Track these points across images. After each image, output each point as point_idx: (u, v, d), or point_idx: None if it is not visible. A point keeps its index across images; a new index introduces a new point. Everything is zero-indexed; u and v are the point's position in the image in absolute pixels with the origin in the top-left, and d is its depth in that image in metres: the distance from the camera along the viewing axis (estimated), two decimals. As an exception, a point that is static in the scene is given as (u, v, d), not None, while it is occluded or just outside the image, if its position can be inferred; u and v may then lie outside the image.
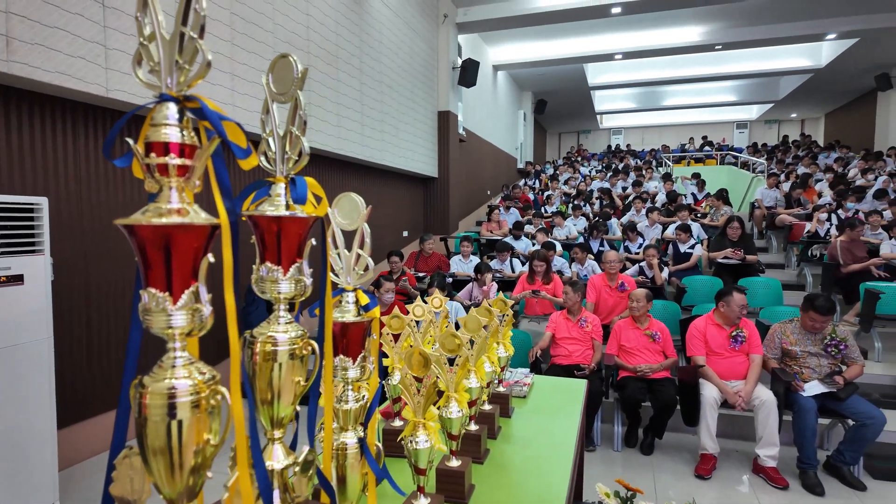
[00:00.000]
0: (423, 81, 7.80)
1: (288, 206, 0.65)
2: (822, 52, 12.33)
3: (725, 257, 5.61)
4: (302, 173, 0.67)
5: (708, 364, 3.57)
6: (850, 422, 3.28)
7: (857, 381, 3.43)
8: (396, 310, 1.34)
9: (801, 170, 10.35)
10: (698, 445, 3.45)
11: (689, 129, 20.09)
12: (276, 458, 0.66)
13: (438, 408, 1.12)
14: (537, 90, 15.18)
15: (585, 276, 5.61)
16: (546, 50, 11.20)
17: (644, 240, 6.53)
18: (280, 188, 0.66)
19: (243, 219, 0.61)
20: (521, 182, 12.97)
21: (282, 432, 0.68)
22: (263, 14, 4.50)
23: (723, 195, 7.72)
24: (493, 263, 6.15)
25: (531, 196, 10.74)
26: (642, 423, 3.78)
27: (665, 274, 5.51)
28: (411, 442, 0.98)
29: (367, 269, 0.81)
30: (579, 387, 1.96)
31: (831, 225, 6.47)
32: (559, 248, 6.71)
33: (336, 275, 0.81)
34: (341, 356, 0.81)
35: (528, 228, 7.67)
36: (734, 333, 3.58)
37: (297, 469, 0.66)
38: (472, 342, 1.26)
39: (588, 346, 4.03)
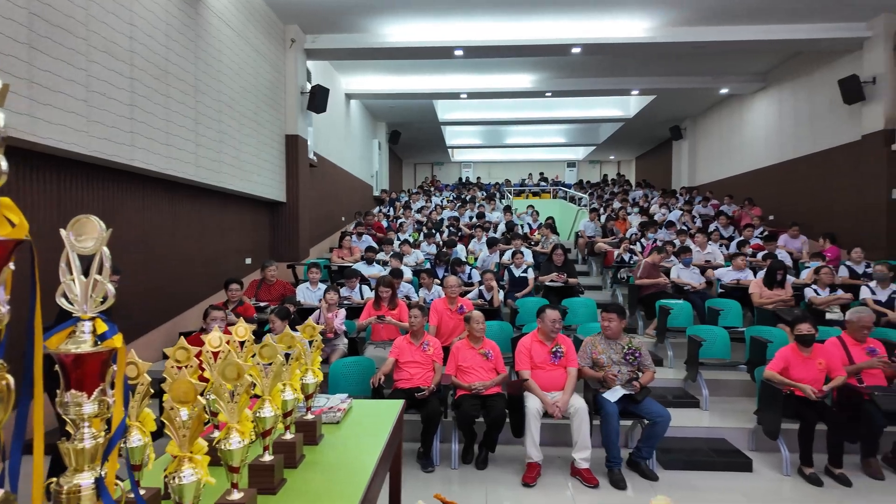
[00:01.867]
0: (268, 104, 7.56)
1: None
2: (630, 105, 14.54)
3: (552, 280, 6.24)
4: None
5: (533, 377, 3.89)
6: (646, 421, 3.79)
7: (655, 385, 4.01)
8: (182, 341, 1.27)
9: (616, 204, 11.97)
10: (525, 455, 3.73)
11: (529, 165, 22.12)
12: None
13: (218, 441, 1.08)
14: (391, 121, 15.58)
15: (432, 300, 5.81)
16: (398, 83, 11.60)
17: (470, 270, 6.93)
18: (-32, 212, 0.61)
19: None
20: (376, 209, 13.11)
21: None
22: (73, 18, 4.02)
23: (550, 225, 8.60)
24: (343, 291, 6.09)
25: (384, 223, 10.89)
26: (478, 439, 3.98)
27: (501, 296, 5.93)
28: (174, 478, 0.93)
29: (106, 296, 0.77)
30: (394, 407, 2.02)
31: (633, 253, 7.56)
32: (409, 274, 6.88)
33: (70, 303, 0.75)
34: (74, 391, 0.74)
35: (381, 255, 7.76)
36: (554, 349, 3.97)
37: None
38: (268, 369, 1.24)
39: (429, 368, 4.16)
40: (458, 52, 8.56)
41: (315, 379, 1.61)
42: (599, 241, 8.51)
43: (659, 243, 7.64)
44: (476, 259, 8.08)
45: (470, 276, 6.66)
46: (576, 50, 8.48)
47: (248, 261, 7.43)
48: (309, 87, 8.57)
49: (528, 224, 10.34)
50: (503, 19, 7.92)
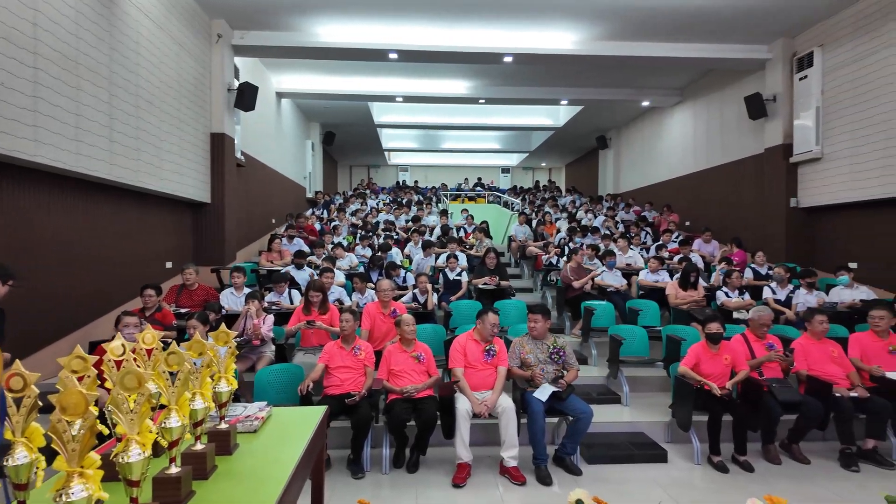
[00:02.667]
0: (192, 100, 7.21)
1: None
2: (560, 115, 15.09)
3: (484, 283, 6.35)
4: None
5: (465, 377, 3.95)
6: (570, 418, 3.93)
7: (580, 383, 4.16)
8: (78, 349, 1.19)
9: (546, 209, 12.36)
10: (455, 456, 3.77)
11: (465, 170, 22.42)
12: None
13: (116, 454, 1.02)
14: (325, 122, 15.28)
15: (365, 304, 5.74)
16: (331, 84, 11.40)
17: (405, 273, 6.95)
18: None
19: None
20: (309, 211, 12.79)
21: None
22: (-35, 0, 3.67)
23: (484, 229, 8.76)
24: (271, 296, 5.89)
25: (317, 226, 10.64)
26: (409, 443, 3.97)
27: (435, 299, 5.97)
28: (62, 495, 0.86)
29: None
30: (315, 414, 1.98)
31: (560, 257, 7.84)
32: (342, 278, 6.76)
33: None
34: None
35: (313, 258, 7.57)
36: (487, 348, 4.04)
37: None
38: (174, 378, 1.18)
39: (361, 373, 4.11)
40: (393, 56, 8.55)
41: (229, 387, 1.55)
42: (530, 244, 8.76)
43: (584, 247, 7.98)
44: (412, 263, 8.08)
45: (405, 280, 6.65)
46: (507, 59, 8.70)
47: (169, 265, 7.03)
48: (236, 84, 8.25)
49: (464, 228, 10.47)
50: (437, 25, 7.99)
